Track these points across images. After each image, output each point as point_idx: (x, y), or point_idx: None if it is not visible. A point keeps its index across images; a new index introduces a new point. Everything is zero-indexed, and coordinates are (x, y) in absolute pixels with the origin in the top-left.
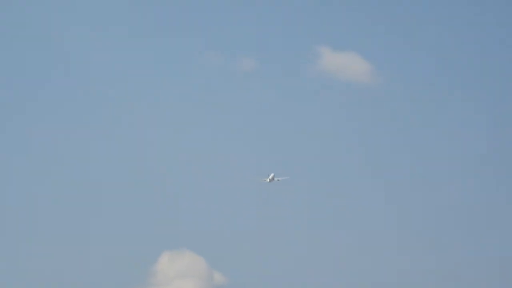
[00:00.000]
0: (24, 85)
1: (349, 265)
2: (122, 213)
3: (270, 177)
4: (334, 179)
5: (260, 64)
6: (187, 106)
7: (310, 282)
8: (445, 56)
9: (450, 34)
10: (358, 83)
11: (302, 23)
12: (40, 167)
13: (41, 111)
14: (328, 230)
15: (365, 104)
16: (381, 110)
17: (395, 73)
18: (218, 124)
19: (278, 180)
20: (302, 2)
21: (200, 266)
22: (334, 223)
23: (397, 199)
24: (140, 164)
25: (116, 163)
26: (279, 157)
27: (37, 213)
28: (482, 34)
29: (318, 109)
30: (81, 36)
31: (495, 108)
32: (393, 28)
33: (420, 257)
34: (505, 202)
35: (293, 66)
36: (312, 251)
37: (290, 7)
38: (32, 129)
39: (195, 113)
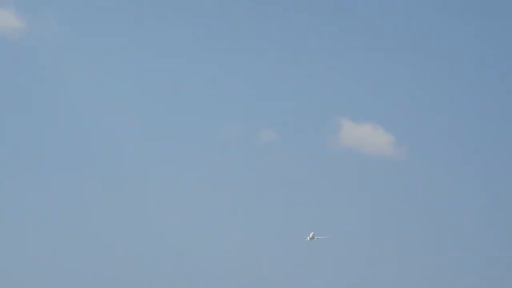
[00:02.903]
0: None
1: None
2: None
3: (310, 235)
4: (357, 248)
5: (281, 136)
6: (209, 177)
7: None
8: (466, 127)
9: (472, 105)
10: (379, 155)
11: (323, 95)
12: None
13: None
14: None
15: (386, 175)
16: (403, 182)
17: (416, 145)
18: (239, 195)
19: (318, 238)
20: (322, 75)
21: None
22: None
23: (419, 270)
24: (163, 235)
25: (133, 238)
26: (300, 226)
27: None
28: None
29: (339, 181)
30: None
31: None
32: (413, 99)
33: None
34: None
35: (314, 138)
36: None
37: (310, 79)
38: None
39: (217, 184)
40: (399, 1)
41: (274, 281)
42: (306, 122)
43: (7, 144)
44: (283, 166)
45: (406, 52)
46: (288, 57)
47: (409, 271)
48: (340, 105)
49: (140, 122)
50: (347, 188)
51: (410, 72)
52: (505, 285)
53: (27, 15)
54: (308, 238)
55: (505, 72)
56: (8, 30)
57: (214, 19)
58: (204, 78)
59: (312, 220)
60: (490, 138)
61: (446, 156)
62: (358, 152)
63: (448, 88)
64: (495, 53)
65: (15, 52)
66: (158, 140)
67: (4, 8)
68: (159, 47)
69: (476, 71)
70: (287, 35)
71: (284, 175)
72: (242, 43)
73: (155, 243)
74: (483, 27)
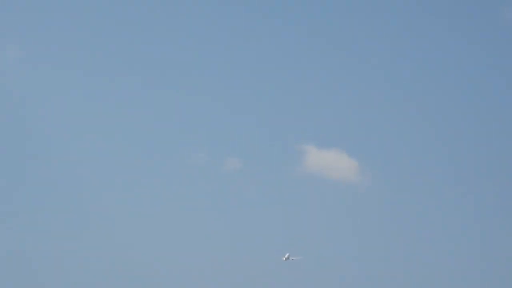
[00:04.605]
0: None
1: None
2: None
3: (286, 256)
4: (321, 274)
5: (246, 164)
6: (174, 205)
7: None
8: (431, 151)
9: (436, 129)
10: (344, 181)
11: (286, 122)
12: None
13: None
14: None
15: (351, 201)
16: (368, 208)
17: (381, 170)
18: (205, 221)
19: (293, 259)
20: (285, 101)
21: None
22: None
23: None
24: (130, 262)
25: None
26: (262, 253)
27: None
28: (474, 126)
29: (304, 207)
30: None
31: (491, 204)
32: (377, 125)
33: None
34: None
35: (278, 165)
36: None
37: (273, 107)
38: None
39: (183, 211)
40: (361, 22)
41: None
42: (271, 149)
43: None
44: (249, 193)
45: (368, 77)
46: (251, 85)
47: None
48: (304, 131)
49: (104, 149)
50: (313, 213)
51: (373, 97)
52: None
53: None
54: (284, 259)
55: (472, 93)
56: None
57: (177, 46)
58: (169, 107)
59: (279, 243)
60: (456, 166)
61: (409, 180)
62: (323, 178)
63: (413, 113)
64: (458, 78)
65: None
66: (123, 168)
67: None
68: (125, 73)
69: (444, 94)
70: (248, 64)
71: (251, 202)
72: (206, 71)
73: (122, 272)
74: (452, 46)
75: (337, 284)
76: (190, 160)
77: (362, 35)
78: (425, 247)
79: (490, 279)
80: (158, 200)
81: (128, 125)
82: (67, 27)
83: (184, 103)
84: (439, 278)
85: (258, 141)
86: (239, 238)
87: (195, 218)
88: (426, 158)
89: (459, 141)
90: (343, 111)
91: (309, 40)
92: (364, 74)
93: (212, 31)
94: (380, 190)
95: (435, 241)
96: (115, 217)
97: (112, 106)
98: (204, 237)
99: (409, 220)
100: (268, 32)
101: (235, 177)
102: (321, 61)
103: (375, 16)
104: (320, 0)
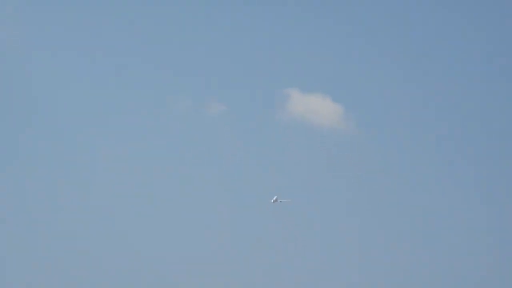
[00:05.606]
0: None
1: None
2: None
3: (274, 199)
4: (305, 221)
5: (230, 108)
6: (159, 150)
7: None
8: (418, 98)
9: (426, 77)
10: (328, 126)
11: (270, 65)
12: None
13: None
14: None
15: (335, 147)
16: (352, 154)
17: (366, 116)
18: (189, 165)
19: (281, 201)
20: (270, 45)
21: None
22: None
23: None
24: (115, 211)
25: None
26: (248, 199)
27: None
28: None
29: (288, 152)
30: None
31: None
32: (362, 70)
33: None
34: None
35: (262, 109)
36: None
37: (257, 50)
38: None
39: (167, 156)
40: None
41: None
42: (254, 93)
43: None
44: (233, 137)
45: (353, 20)
46: (233, 29)
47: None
48: (288, 75)
49: (89, 96)
50: (297, 157)
51: (360, 42)
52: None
53: None
54: (272, 201)
55: (457, 46)
56: None
57: None
58: (152, 54)
59: (263, 187)
60: (443, 113)
61: (395, 127)
62: (307, 122)
63: (401, 60)
64: (449, 29)
65: None
66: (106, 114)
67: None
68: (109, 25)
69: (429, 39)
70: (232, 9)
71: (235, 146)
72: (190, 18)
73: (106, 221)
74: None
75: (319, 230)
76: (174, 106)
77: None
78: (412, 194)
79: (488, 227)
80: (142, 147)
81: (110, 70)
82: None
83: (167, 48)
84: (426, 224)
85: (242, 85)
86: (224, 182)
87: (179, 164)
88: (413, 106)
89: (450, 90)
90: (328, 55)
91: None
92: (352, 18)
93: None
94: (365, 137)
95: (421, 188)
96: (103, 165)
97: (99, 57)
98: (189, 182)
99: (393, 167)
100: None
101: (219, 122)
102: (303, 7)
103: None
104: None
